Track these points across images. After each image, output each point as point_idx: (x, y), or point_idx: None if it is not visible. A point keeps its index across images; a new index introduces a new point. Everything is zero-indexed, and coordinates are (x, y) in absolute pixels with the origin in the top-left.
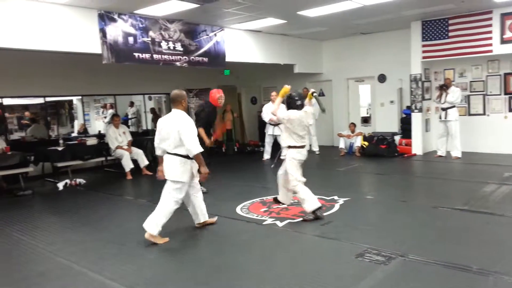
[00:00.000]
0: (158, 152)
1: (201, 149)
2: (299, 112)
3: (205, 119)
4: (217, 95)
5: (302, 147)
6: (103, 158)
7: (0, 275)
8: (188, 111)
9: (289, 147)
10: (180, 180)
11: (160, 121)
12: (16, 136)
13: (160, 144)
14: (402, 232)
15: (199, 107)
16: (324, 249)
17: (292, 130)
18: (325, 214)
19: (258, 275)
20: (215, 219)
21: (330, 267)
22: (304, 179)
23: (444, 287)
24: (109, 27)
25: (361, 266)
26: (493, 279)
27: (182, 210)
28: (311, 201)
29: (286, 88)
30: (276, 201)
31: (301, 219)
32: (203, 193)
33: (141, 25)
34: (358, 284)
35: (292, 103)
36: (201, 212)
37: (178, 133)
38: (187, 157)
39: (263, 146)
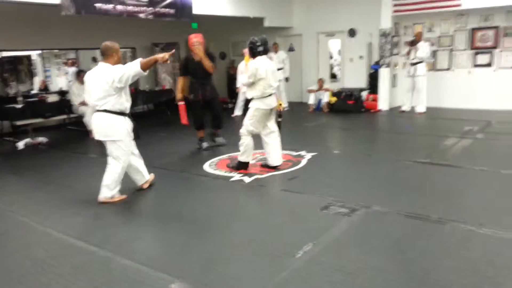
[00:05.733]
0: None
1: (139, 60)
2: (266, 60)
3: (183, 69)
4: (193, 39)
5: (268, 96)
6: (65, 116)
7: None
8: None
9: (253, 98)
10: (117, 139)
11: (87, 76)
12: None
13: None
14: (366, 185)
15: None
16: (290, 203)
17: (263, 83)
18: (292, 169)
19: (225, 229)
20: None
21: (296, 220)
22: (256, 131)
23: (405, 235)
24: None
25: (325, 218)
26: (450, 227)
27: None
28: (247, 155)
29: (247, 57)
30: (266, 166)
31: (268, 174)
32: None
33: None
34: (322, 235)
35: (254, 49)
36: (144, 172)
37: (107, 84)
38: (120, 113)
39: (232, 103)
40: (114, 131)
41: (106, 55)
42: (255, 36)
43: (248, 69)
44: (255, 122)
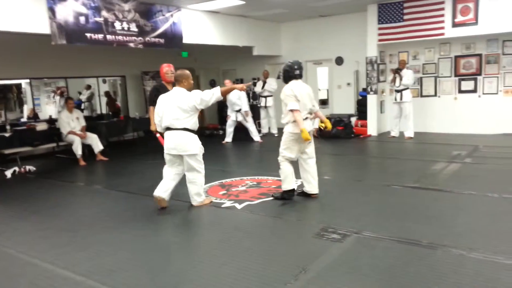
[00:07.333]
0: (159, 128)
1: (218, 88)
2: (301, 83)
3: (152, 97)
4: (165, 69)
5: (305, 119)
6: (54, 144)
7: None
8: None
9: (288, 122)
10: (196, 152)
11: (160, 99)
12: None
13: (160, 121)
14: (357, 211)
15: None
16: (281, 230)
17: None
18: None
19: (216, 257)
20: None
21: (288, 247)
22: (292, 157)
23: (396, 261)
24: (58, 6)
25: (317, 245)
26: (442, 252)
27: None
28: (287, 182)
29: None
30: (304, 194)
31: (259, 200)
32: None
33: (93, 4)
34: (314, 262)
35: (291, 72)
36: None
37: (188, 106)
38: (195, 131)
39: (223, 129)
40: (192, 146)
41: (179, 81)
42: (290, 60)
43: (284, 93)
44: (290, 147)
